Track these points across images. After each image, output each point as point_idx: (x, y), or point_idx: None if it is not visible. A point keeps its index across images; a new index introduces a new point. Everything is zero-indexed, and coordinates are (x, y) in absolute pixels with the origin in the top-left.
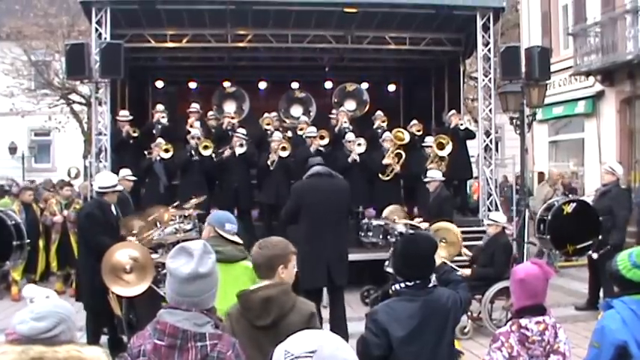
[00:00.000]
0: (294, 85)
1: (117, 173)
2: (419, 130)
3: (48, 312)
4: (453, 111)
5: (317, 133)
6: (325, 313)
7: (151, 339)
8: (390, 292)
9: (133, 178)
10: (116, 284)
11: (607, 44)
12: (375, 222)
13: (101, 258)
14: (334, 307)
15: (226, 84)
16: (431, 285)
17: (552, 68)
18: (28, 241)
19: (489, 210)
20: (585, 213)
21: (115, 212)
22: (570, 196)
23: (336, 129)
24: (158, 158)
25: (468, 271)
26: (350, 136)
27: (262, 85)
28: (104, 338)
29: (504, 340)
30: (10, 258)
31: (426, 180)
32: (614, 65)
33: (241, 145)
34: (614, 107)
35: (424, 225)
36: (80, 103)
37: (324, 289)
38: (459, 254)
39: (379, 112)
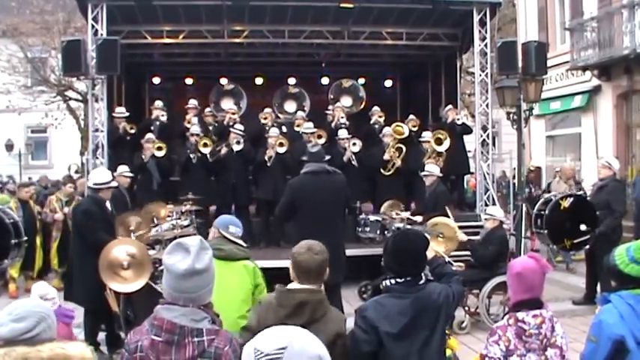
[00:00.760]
0: (291, 80)
1: (114, 170)
2: (415, 126)
3: (27, 312)
4: (450, 106)
5: (315, 132)
6: None
7: (148, 335)
8: (381, 287)
9: (130, 174)
10: (113, 280)
11: (604, 39)
12: (372, 217)
13: (97, 254)
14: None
15: (223, 80)
16: (422, 281)
17: (549, 63)
18: (26, 238)
19: (486, 205)
20: (582, 208)
21: (110, 207)
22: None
23: (333, 124)
24: (150, 156)
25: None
26: (342, 132)
27: (259, 80)
28: (102, 335)
29: (502, 333)
30: (9, 256)
31: (422, 174)
32: (611, 60)
33: (238, 142)
34: (610, 102)
35: (419, 219)
36: (77, 100)
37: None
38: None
39: (376, 108)
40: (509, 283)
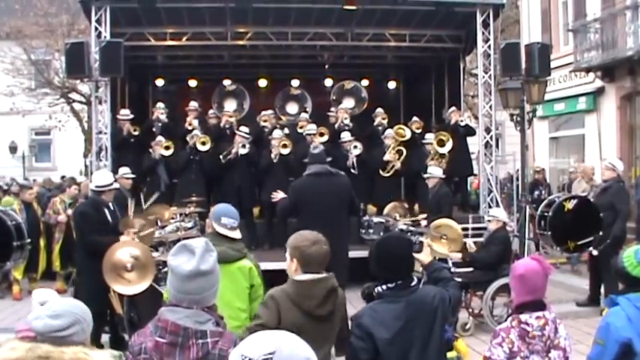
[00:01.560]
0: (294, 82)
1: (117, 172)
2: (418, 128)
3: (64, 311)
4: (453, 108)
5: (316, 131)
6: None
7: (152, 337)
8: (374, 294)
9: (132, 176)
10: (117, 283)
11: (607, 40)
12: (375, 219)
13: (95, 256)
14: None
15: (226, 82)
16: (414, 284)
17: (552, 64)
18: (29, 240)
19: (490, 206)
20: (586, 209)
21: (112, 209)
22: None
23: (336, 126)
24: (159, 156)
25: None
26: (345, 135)
27: (262, 82)
28: (106, 337)
29: (505, 335)
30: (11, 258)
31: (425, 176)
32: (615, 61)
33: (244, 146)
34: (614, 103)
35: (423, 221)
36: (80, 102)
37: None
38: (462, 250)
39: (379, 110)
40: (512, 285)
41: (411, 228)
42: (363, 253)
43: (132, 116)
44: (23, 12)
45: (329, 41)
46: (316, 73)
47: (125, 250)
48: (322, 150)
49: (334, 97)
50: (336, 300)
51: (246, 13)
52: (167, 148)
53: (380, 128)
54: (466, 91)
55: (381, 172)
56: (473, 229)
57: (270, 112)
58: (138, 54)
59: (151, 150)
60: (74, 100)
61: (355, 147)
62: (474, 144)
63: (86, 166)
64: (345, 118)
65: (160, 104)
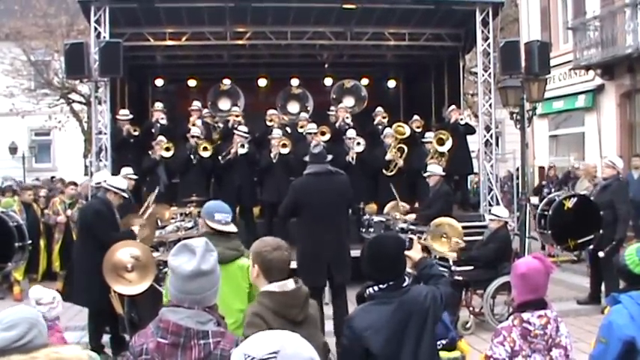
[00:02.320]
0: (294, 81)
1: (118, 172)
2: (419, 127)
3: (17, 319)
4: (453, 106)
5: (317, 129)
6: (327, 310)
7: (154, 337)
8: (365, 296)
9: (135, 176)
10: (118, 283)
11: (606, 38)
12: (376, 218)
13: (98, 255)
14: (336, 305)
15: (226, 81)
16: (406, 283)
17: (552, 62)
18: (30, 241)
19: (490, 205)
20: (586, 207)
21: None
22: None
23: (337, 125)
24: (159, 157)
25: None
26: (351, 132)
27: (262, 82)
28: (106, 337)
29: (507, 334)
30: (12, 259)
31: (426, 174)
32: (614, 59)
33: (243, 146)
34: (614, 101)
35: (412, 216)
36: (80, 103)
37: (327, 286)
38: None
39: (379, 109)
40: (514, 283)
41: (411, 227)
42: None
43: (131, 116)
44: (22, 13)
45: (328, 40)
46: (316, 72)
47: (125, 251)
48: (322, 149)
49: (334, 96)
50: (307, 304)
51: (246, 12)
52: (167, 149)
53: (380, 127)
54: (466, 90)
55: (384, 171)
56: (473, 227)
57: (271, 111)
58: (137, 54)
59: (150, 152)
60: (74, 101)
61: (358, 143)
62: (474, 142)
63: (86, 166)
64: (347, 117)
65: (159, 104)
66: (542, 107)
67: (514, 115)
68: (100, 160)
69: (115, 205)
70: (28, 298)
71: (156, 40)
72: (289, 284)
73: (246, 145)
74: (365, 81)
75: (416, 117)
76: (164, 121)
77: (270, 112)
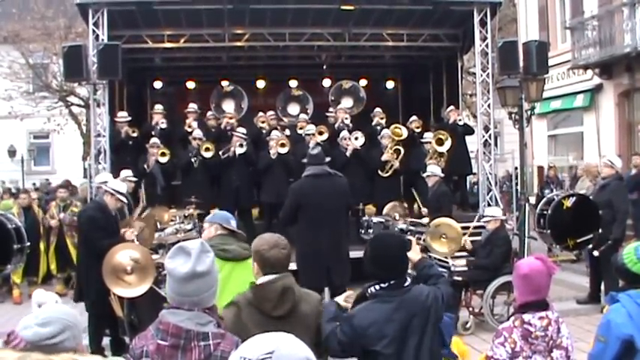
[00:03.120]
0: (293, 83)
1: (117, 174)
2: (418, 127)
3: (53, 318)
4: (452, 107)
5: (316, 130)
6: None
7: (154, 339)
8: (367, 294)
9: (134, 179)
10: (117, 285)
11: (604, 37)
12: (375, 219)
13: (99, 259)
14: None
15: (225, 83)
16: (407, 283)
17: (550, 62)
18: (28, 244)
19: (489, 205)
20: (585, 207)
21: (114, 212)
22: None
23: (336, 126)
24: (154, 162)
25: (463, 262)
26: (344, 133)
27: (260, 83)
28: (106, 339)
29: (507, 335)
30: (11, 261)
31: (425, 175)
32: (612, 58)
33: (241, 145)
34: (612, 100)
35: (424, 219)
36: (79, 105)
37: (326, 288)
38: (461, 248)
39: (378, 109)
40: (516, 284)
41: (411, 227)
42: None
43: (130, 118)
44: (20, 16)
45: (326, 41)
46: (314, 73)
47: (125, 253)
48: (321, 151)
49: (333, 97)
50: (293, 298)
51: (244, 14)
52: (163, 154)
53: (378, 128)
54: (464, 90)
55: (380, 172)
56: (473, 227)
57: (270, 113)
58: (135, 56)
59: (145, 165)
60: (72, 104)
61: (357, 138)
62: (473, 143)
63: (85, 169)
64: (346, 118)
65: (159, 106)
66: (541, 107)
67: (513, 115)
68: (99, 163)
69: (114, 208)
70: (28, 301)
71: (154, 43)
72: (267, 278)
73: (245, 145)
74: (363, 82)
75: (414, 117)
76: (164, 125)
77: (261, 114)
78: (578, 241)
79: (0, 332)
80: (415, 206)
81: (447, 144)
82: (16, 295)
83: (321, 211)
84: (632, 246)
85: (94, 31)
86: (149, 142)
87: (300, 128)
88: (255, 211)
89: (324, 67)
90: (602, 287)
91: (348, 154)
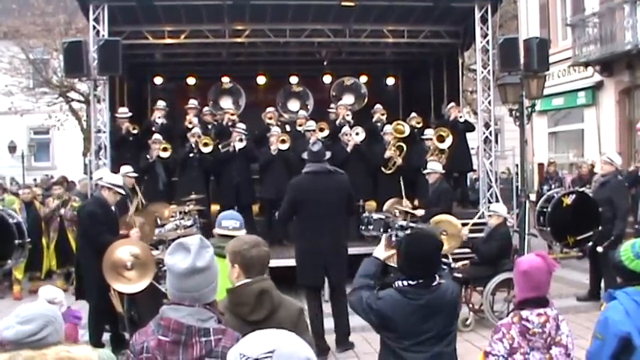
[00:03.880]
0: (293, 79)
1: (117, 170)
2: (418, 123)
3: (34, 315)
4: (452, 104)
5: (316, 126)
6: (327, 308)
7: (155, 335)
8: (394, 287)
9: (135, 174)
10: (117, 281)
11: (605, 34)
12: (375, 215)
13: (100, 255)
14: (335, 302)
15: (225, 79)
16: (435, 283)
17: (551, 59)
18: (29, 239)
19: (490, 202)
20: (585, 204)
21: (114, 208)
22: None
23: (337, 122)
24: (156, 157)
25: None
26: (345, 129)
27: (261, 79)
28: (106, 335)
29: (505, 331)
30: (12, 257)
31: (425, 172)
32: (613, 55)
33: (241, 140)
34: (613, 98)
35: (420, 212)
36: (79, 101)
37: (326, 284)
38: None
39: (378, 106)
40: (516, 280)
41: (411, 224)
42: (363, 250)
43: (130, 114)
44: (20, 11)
45: (327, 38)
46: (314, 69)
47: (125, 249)
48: (321, 147)
49: (334, 94)
50: (271, 303)
51: (244, 10)
52: (165, 149)
53: (379, 124)
54: (465, 87)
55: (383, 169)
56: (473, 224)
57: (273, 109)
58: (136, 52)
59: (148, 156)
60: (73, 99)
61: (357, 133)
62: (474, 139)
63: (85, 164)
64: (347, 115)
65: (161, 102)
66: (542, 104)
67: (513, 112)
68: (99, 159)
69: (113, 202)
70: (29, 297)
71: (155, 39)
72: (244, 281)
73: (244, 140)
74: (364, 78)
75: (414, 114)
76: (164, 120)
77: (269, 109)
78: (578, 238)
79: None
80: (416, 203)
81: (448, 141)
82: (17, 290)
83: (319, 208)
84: (629, 243)
85: (94, 26)
86: (151, 138)
87: (300, 125)
88: (255, 208)
89: (325, 63)
90: (603, 284)
91: (349, 149)
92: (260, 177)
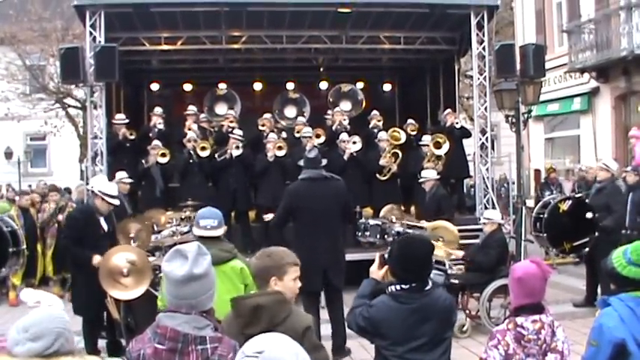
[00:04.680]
0: (290, 85)
1: (113, 176)
2: (414, 130)
3: (43, 330)
4: (449, 110)
5: (313, 132)
6: (324, 314)
7: (151, 343)
8: (386, 292)
9: (130, 180)
10: (114, 288)
11: (601, 41)
12: (372, 221)
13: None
14: (332, 309)
15: (222, 86)
16: (428, 287)
17: (547, 65)
18: (25, 247)
19: (486, 208)
20: (581, 210)
21: (108, 215)
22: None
23: (334, 129)
24: (154, 162)
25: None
26: (343, 136)
27: (257, 86)
28: (102, 342)
29: (501, 338)
30: (7, 264)
31: (420, 181)
32: (609, 62)
33: (237, 147)
34: (609, 104)
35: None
36: (75, 107)
37: (323, 290)
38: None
39: (375, 112)
40: (511, 287)
41: (408, 230)
42: (360, 256)
43: (127, 120)
44: (17, 17)
45: (324, 44)
46: (311, 76)
47: (121, 255)
48: (318, 154)
49: (331, 100)
50: (268, 320)
51: (241, 16)
52: (163, 155)
53: (375, 131)
54: (461, 93)
55: (378, 175)
56: (469, 230)
57: (268, 115)
58: (133, 58)
59: (144, 160)
60: (69, 105)
61: (354, 142)
62: (470, 146)
63: (82, 171)
64: (344, 120)
65: (158, 109)
66: (538, 110)
67: (509, 118)
68: (96, 165)
69: (105, 211)
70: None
71: (151, 45)
72: (248, 294)
73: (241, 147)
74: (360, 84)
75: (410, 121)
76: (161, 126)
77: (265, 116)
78: (575, 244)
79: None
80: (412, 209)
81: (445, 147)
82: (12, 297)
83: (316, 214)
84: (621, 249)
85: (91, 33)
86: (150, 145)
87: (297, 131)
88: (251, 214)
89: (321, 69)
90: (599, 290)
91: (345, 157)
92: (256, 184)
